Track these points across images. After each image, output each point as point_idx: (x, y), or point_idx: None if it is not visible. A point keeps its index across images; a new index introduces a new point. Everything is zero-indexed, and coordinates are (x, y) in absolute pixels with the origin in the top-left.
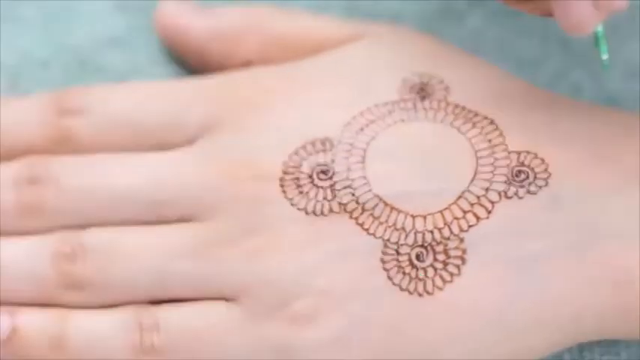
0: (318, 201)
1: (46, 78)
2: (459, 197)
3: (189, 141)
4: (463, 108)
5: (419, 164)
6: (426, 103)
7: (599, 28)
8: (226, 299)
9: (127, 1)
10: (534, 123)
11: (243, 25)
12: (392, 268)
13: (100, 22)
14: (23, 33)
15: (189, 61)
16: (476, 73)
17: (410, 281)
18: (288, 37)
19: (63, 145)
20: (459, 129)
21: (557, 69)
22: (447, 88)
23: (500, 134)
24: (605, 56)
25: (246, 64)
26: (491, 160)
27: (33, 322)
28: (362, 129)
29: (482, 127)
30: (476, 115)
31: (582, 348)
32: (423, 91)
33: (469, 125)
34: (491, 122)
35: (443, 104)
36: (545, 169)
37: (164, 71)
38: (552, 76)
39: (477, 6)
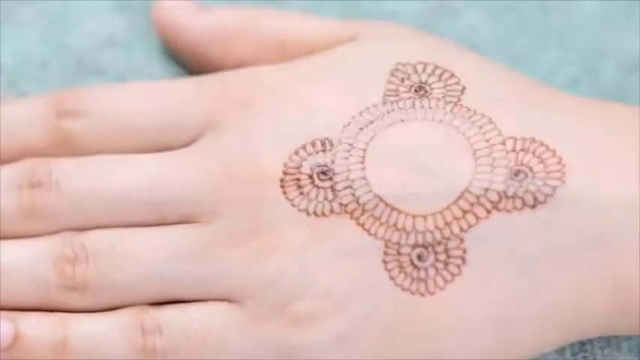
0: (318, 202)
1: (45, 78)
2: (459, 197)
3: (190, 141)
4: (462, 107)
5: (419, 164)
6: (425, 102)
7: None
8: (228, 300)
9: (126, 2)
10: (533, 122)
11: (239, 25)
12: (393, 269)
13: (99, 23)
14: (22, 33)
15: (185, 59)
16: (476, 70)
17: (411, 281)
18: (283, 38)
19: (63, 147)
20: (457, 128)
21: (553, 63)
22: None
23: (499, 133)
24: None
25: (241, 63)
26: (490, 159)
27: (35, 327)
28: (361, 129)
29: (481, 126)
30: (475, 113)
31: (583, 340)
32: (421, 90)
33: (468, 124)
34: (490, 121)
35: (442, 103)
36: (544, 169)
37: (163, 71)
38: (548, 70)
39: (473, 2)
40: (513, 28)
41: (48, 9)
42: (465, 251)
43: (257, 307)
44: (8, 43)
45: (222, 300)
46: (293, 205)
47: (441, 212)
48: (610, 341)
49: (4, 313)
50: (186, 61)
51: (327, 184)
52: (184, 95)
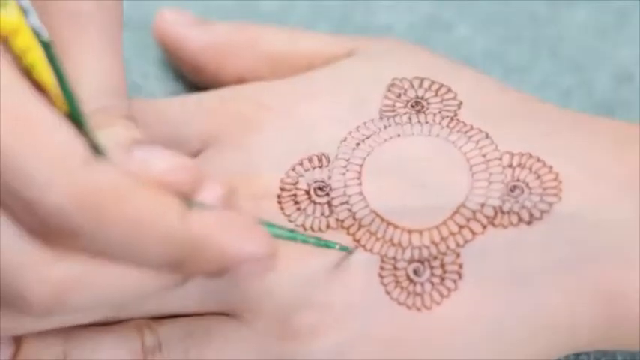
0: (315, 217)
1: None
2: (455, 212)
3: (190, 157)
4: (458, 122)
5: (415, 180)
6: (422, 117)
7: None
8: (227, 314)
9: (125, 19)
10: (529, 137)
11: (237, 40)
12: (390, 283)
13: None
14: None
15: (184, 72)
16: (472, 85)
17: (408, 296)
18: (281, 53)
19: None
20: (454, 143)
21: (545, 75)
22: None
23: (496, 149)
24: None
25: (240, 78)
26: (487, 175)
27: (36, 340)
28: (358, 144)
29: (478, 142)
30: (471, 128)
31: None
32: (418, 105)
33: (464, 139)
34: (487, 136)
35: (438, 118)
36: (540, 185)
37: (161, 88)
38: (541, 82)
39: (466, 15)
40: (505, 39)
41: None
42: (461, 266)
43: (256, 321)
44: None
45: (222, 313)
46: (290, 221)
47: (437, 227)
48: (606, 351)
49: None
50: (185, 74)
51: (324, 199)
52: (186, 111)
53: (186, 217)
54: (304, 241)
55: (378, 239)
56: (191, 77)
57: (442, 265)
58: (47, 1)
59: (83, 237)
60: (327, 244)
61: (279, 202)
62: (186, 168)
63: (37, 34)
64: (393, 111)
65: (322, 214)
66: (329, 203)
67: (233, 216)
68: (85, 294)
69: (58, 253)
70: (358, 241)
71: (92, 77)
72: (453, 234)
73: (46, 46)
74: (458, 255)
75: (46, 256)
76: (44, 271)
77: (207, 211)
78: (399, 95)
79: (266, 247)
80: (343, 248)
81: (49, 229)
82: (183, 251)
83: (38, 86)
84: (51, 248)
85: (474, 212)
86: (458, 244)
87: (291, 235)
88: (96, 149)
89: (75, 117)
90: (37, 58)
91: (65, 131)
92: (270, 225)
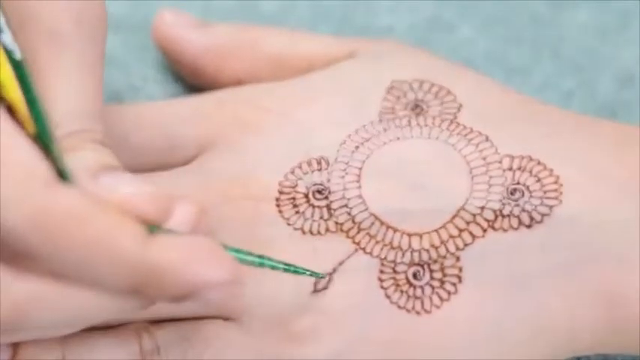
0: (314, 220)
1: None
2: (455, 216)
3: (187, 160)
4: (458, 124)
5: (414, 183)
6: (421, 119)
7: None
8: (224, 318)
9: (122, 20)
10: (530, 140)
11: (236, 42)
12: (389, 287)
13: None
14: None
15: (183, 74)
16: (472, 87)
17: (407, 299)
18: (281, 55)
19: None
20: (454, 146)
21: (547, 77)
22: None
23: (496, 151)
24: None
25: (239, 80)
26: (487, 178)
27: (34, 343)
28: (357, 147)
29: (477, 144)
30: (471, 131)
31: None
32: (417, 108)
33: (464, 142)
34: (487, 139)
35: (438, 121)
36: (541, 188)
37: (160, 90)
38: (542, 84)
39: (467, 16)
40: (507, 41)
41: None
42: (460, 270)
43: (254, 324)
44: None
45: (220, 318)
46: (289, 224)
47: (436, 230)
48: (606, 355)
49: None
50: (184, 76)
51: (323, 202)
52: (183, 114)
53: (147, 242)
54: (273, 268)
55: (377, 242)
56: (190, 80)
57: (442, 269)
58: (25, 19)
59: (39, 258)
60: (297, 271)
61: (278, 205)
62: (152, 196)
63: (8, 53)
64: (393, 114)
65: (321, 217)
66: (328, 206)
67: (198, 241)
68: (46, 313)
69: (18, 272)
70: (358, 244)
71: (66, 100)
72: (452, 237)
73: (17, 66)
74: (458, 259)
75: (6, 275)
76: (3, 290)
77: (171, 236)
78: (399, 98)
79: (230, 273)
80: (315, 275)
81: (7, 249)
82: (139, 277)
83: (7, 105)
84: (11, 267)
85: (474, 215)
86: (458, 248)
87: (260, 261)
88: (61, 173)
89: (43, 138)
90: (6, 76)
91: (28, 151)
92: (238, 250)
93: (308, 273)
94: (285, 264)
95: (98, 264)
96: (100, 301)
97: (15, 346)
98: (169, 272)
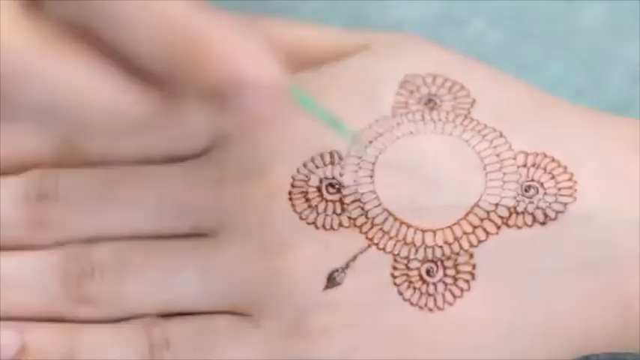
0: (327, 215)
1: None
2: (469, 212)
3: (199, 153)
4: (472, 120)
5: (428, 178)
6: (435, 114)
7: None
8: (236, 313)
9: None
10: (544, 136)
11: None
12: (402, 283)
13: None
14: None
15: None
16: (486, 82)
17: (420, 296)
18: (293, 48)
19: (72, 157)
20: (467, 142)
21: (558, 73)
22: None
23: (510, 148)
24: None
25: None
26: (501, 174)
27: (43, 338)
28: (370, 142)
29: (492, 140)
30: (485, 127)
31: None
32: (431, 102)
33: (478, 138)
34: (501, 135)
35: (451, 116)
36: (555, 185)
37: None
38: (554, 79)
39: (479, 11)
40: (519, 36)
41: None
42: (474, 267)
43: (267, 321)
44: None
45: (230, 313)
46: (301, 218)
47: (450, 227)
48: (616, 355)
49: (11, 324)
50: None
51: (336, 197)
52: (194, 107)
53: (200, 14)
54: (318, 115)
55: (390, 238)
56: None
57: (455, 266)
58: None
59: None
60: (338, 127)
61: (290, 199)
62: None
63: None
64: (406, 108)
65: (334, 212)
66: (341, 201)
67: (256, 39)
68: (36, 84)
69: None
70: (371, 239)
71: None
72: (466, 234)
73: None
74: (471, 255)
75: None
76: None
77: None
78: (412, 92)
79: (274, 79)
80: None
81: None
82: (181, 45)
83: None
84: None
85: (487, 212)
86: (471, 245)
87: (308, 102)
88: None
89: None
90: None
91: None
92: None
93: (346, 133)
94: (330, 118)
95: (140, 19)
96: (98, 82)
97: (22, 342)
98: (215, 50)
